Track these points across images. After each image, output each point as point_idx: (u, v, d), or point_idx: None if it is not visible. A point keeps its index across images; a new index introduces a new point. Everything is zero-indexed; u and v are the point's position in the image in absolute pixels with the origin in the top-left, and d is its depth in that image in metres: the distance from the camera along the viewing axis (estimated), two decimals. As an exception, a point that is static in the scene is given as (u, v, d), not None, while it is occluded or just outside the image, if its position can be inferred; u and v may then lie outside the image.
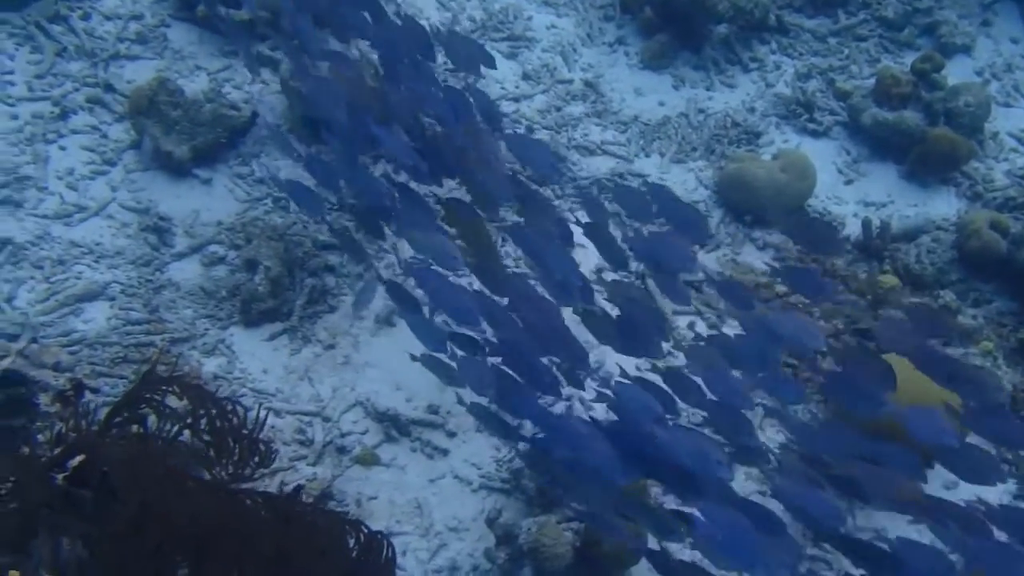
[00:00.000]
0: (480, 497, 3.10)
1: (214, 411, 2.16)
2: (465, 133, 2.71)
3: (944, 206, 4.33)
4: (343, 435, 3.14)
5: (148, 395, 2.09)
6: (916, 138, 4.36)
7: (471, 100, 2.73)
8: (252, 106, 3.99)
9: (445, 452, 3.19)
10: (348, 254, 3.18)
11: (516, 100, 4.68)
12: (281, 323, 3.42)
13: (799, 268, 2.90)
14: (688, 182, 4.42)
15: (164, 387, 2.11)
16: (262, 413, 2.25)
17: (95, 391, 2.81)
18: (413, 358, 2.74)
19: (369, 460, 3.07)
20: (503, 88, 4.71)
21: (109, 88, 3.94)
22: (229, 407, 2.21)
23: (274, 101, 4.17)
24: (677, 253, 2.50)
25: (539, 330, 2.42)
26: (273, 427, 3.08)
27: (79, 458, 1.98)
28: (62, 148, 3.77)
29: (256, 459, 2.33)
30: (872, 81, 4.60)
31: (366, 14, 2.85)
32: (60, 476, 1.97)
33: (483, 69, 2.87)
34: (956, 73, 4.81)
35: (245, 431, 2.32)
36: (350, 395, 3.27)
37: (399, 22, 2.89)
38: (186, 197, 3.76)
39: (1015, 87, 4.86)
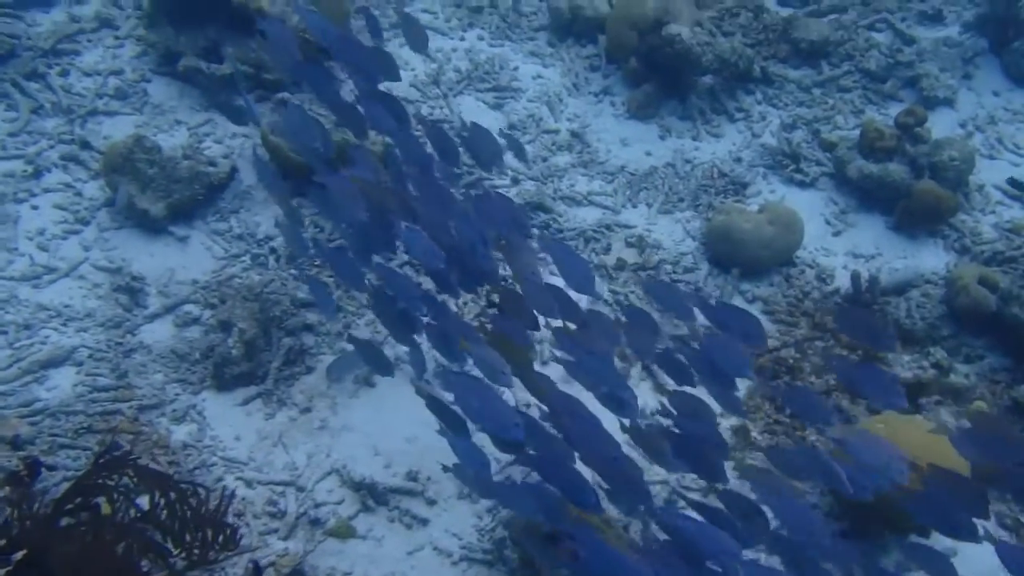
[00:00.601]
0: (460, 570, 2.94)
1: (173, 496, 2.01)
2: (503, 246, 2.59)
3: (933, 259, 4.25)
4: (317, 506, 2.99)
5: (101, 481, 1.95)
6: (902, 191, 4.29)
7: (502, 207, 2.62)
8: (231, 161, 3.89)
9: (424, 522, 3.04)
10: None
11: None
12: (255, 387, 3.28)
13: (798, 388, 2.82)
14: (675, 233, 4.33)
15: (119, 471, 1.97)
16: (227, 493, 2.10)
17: (52, 468, 2.66)
18: (445, 469, 2.63)
19: (344, 532, 2.92)
20: (488, 140, 4.63)
21: (85, 145, 3.85)
22: (189, 490, 2.07)
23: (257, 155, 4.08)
24: (733, 358, 2.39)
25: (592, 455, 2.30)
26: (244, 499, 2.93)
27: (23, 552, 1.83)
28: (34, 207, 3.66)
29: (220, 542, 2.19)
30: (857, 132, 4.54)
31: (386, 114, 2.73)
32: (2, 572, 1.82)
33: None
34: (939, 125, 4.77)
35: (207, 514, 2.17)
36: (325, 462, 3.12)
37: (425, 126, 2.76)
38: (161, 255, 3.64)
39: (998, 139, 4.82)
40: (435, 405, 2.59)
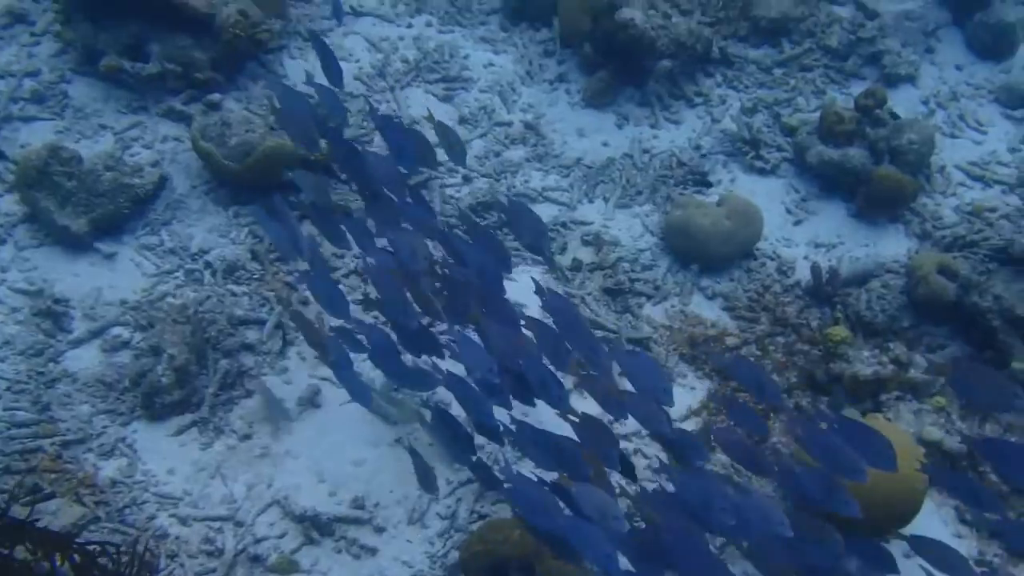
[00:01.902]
0: (412, 600, 2.83)
1: (78, 558, 1.86)
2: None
3: (894, 245, 4.16)
4: (257, 541, 2.86)
5: (-3, 553, 1.80)
6: (862, 177, 4.19)
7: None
8: (160, 170, 3.69)
9: (373, 551, 2.92)
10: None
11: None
12: (190, 415, 3.12)
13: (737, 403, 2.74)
14: (634, 228, 4.21)
15: (10, 540, 1.82)
16: (139, 549, 1.95)
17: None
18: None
19: (287, 568, 2.79)
20: (437, 134, 4.45)
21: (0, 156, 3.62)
22: (97, 549, 1.92)
23: (187, 160, 3.88)
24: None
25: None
26: (178, 538, 2.79)
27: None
28: (-56, 228, 3.44)
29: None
30: (819, 114, 4.42)
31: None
32: None
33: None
34: (902, 103, 4.67)
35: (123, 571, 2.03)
36: (266, 493, 2.99)
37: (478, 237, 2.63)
38: (86, 275, 3.45)
39: (960, 116, 4.73)
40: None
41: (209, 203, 3.79)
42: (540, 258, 2.76)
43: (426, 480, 2.54)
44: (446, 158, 3.29)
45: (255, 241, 3.73)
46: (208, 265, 3.62)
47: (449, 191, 4.23)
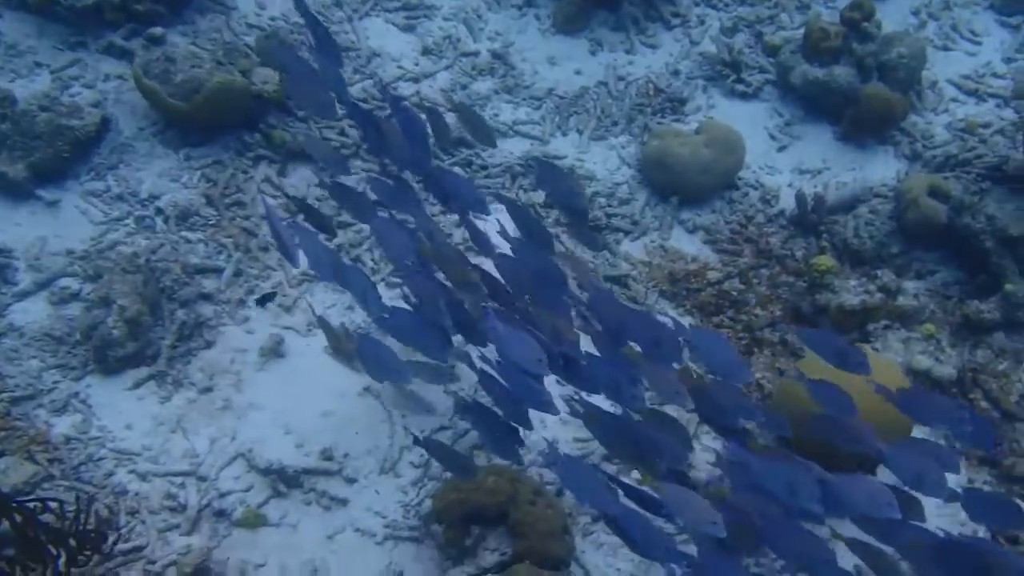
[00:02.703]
0: (386, 550, 2.81)
1: (18, 519, 1.80)
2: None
3: (883, 168, 4.10)
4: (222, 495, 2.81)
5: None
6: (849, 97, 4.09)
7: None
8: (102, 111, 3.54)
9: (344, 502, 2.88)
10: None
11: (416, 80, 4.30)
12: (146, 368, 3.05)
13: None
14: (610, 161, 4.11)
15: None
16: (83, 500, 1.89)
17: None
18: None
19: (254, 522, 2.76)
20: (401, 67, 4.31)
21: (-74, 100, 3.46)
22: (39, 507, 1.86)
23: (133, 100, 3.73)
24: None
25: None
26: (138, 495, 2.74)
27: None
28: None
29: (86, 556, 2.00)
30: (803, 31, 4.29)
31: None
32: None
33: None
34: (890, 15, 4.54)
35: (69, 529, 1.98)
36: (230, 446, 2.93)
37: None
38: (29, 224, 3.34)
39: (953, 27, 4.61)
40: None
41: (158, 145, 3.66)
42: (577, 220, 2.67)
43: (461, 466, 2.49)
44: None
45: (209, 185, 3.61)
46: (160, 211, 3.50)
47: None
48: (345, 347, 3.02)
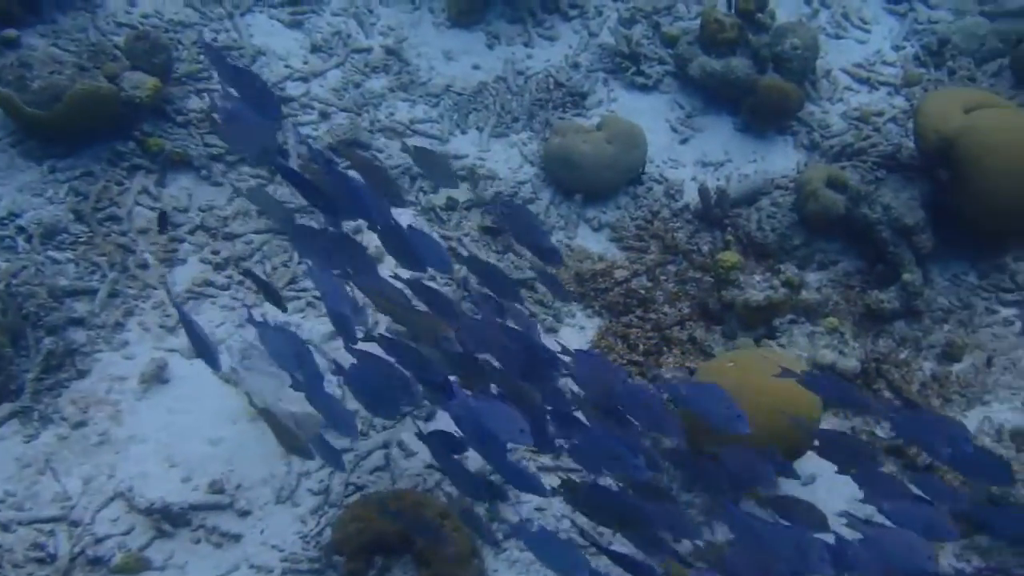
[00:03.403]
0: (284, 585, 2.68)
1: None
2: None
3: (783, 159, 4.16)
4: (98, 540, 2.63)
5: None
6: (747, 88, 4.14)
7: None
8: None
9: (237, 538, 2.74)
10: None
11: (305, 80, 4.14)
12: (8, 404, 2.83)
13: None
14: (512, 159, 4.05)
15: None
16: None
17: None
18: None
19: (135, 567, 2.59)
20: (288, 66, 4.15)
21: None
22: None
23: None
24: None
25: None
26: (0, 547, 2.54)
27: None
28: None
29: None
30: (699, 21, 4.31)
31: None
32: None
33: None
34: (784, 3, 4.61)
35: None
36: (107, 486, 2.75)
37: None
38: None
39: (844, 15, 4.71)
40: None
41: (17, 157, 3.42)
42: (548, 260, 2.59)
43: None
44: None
45: (78, 199, 3.39)
46: (21, 230, 3.27)
47: (305, 130, 3.96)
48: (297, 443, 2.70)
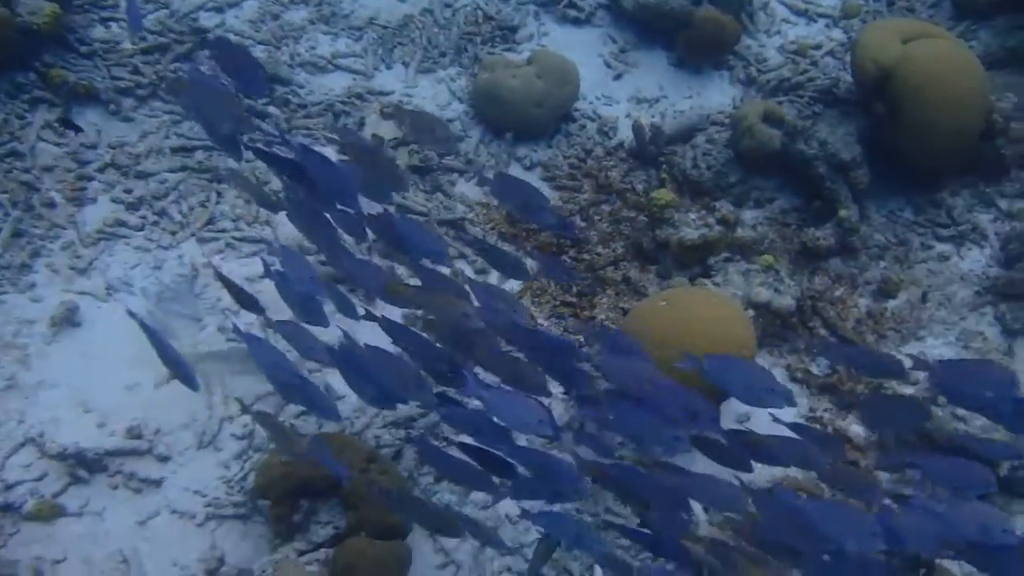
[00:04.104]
0: (208, 531, 2.75)
1: None
2: None
3: (719, 95, 4.27)
4: (8, 487, 2.66)
5: None
6: (682, 21, 4.22)
7: None
8: None
9: (157, 483, 2.79)
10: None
11: (220, 10, 4.10)
12: (-94, 349, 2.83)
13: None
14: (440, 96, 4.09)
15: None
16: None
17: None
18: None
19: (48, 513, 2.63)
20: (202, -6, 4.10)
21: None
22: None
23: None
24: None
25: None
26: (-97, 498, 2.56)
27: None
28: None
29: None
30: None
31: None
32: None
33: None
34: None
35: None
36: (17, 431, 2.77)
37: None
38: None
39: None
40: None
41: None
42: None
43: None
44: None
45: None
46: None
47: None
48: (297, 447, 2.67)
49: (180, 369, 2.28)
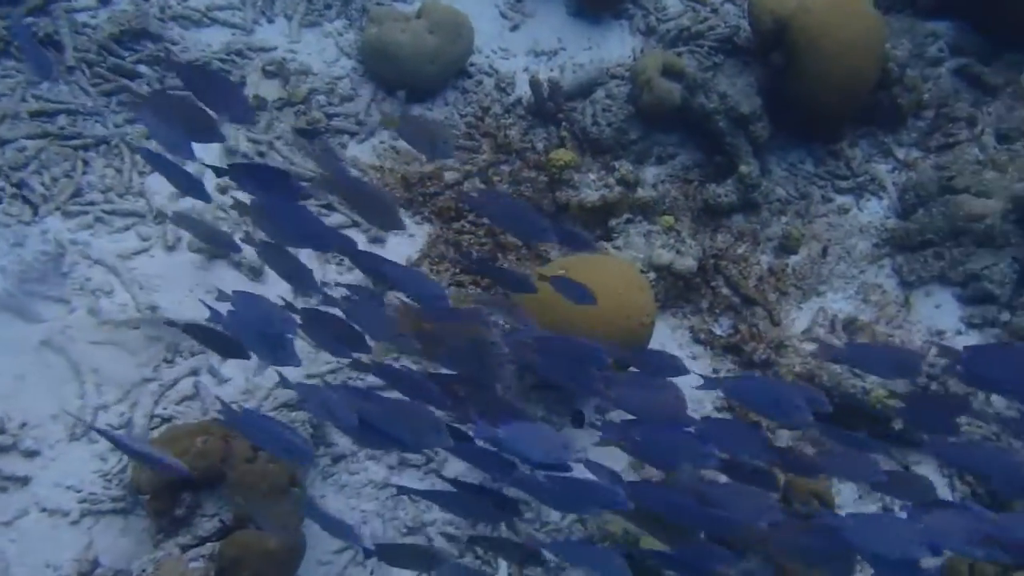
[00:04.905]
0: (84, 528, 2.69)
1: None
2: None
3: (619, 46, 4.28)
4: None
5: None
6: (579, -33, 4.20)
7: None
8: None
9: (24, 480, 2.71)
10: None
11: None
12: None
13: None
14: (327, 52, 3.99)
15: None
16: None
17: None
18: None
19: (-95, 521, 2.53)
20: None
21: None
22: None
23: None
24: None
25: None
26: None
27: None
28: None
29: None
30: None
31: None
32: None
33: None
34: None
35: None
36: None
37: None
38: None
39: None
40: None
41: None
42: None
43: None
44: None
45: None
46: None
47: (82, 17, 3.74)
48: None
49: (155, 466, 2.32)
